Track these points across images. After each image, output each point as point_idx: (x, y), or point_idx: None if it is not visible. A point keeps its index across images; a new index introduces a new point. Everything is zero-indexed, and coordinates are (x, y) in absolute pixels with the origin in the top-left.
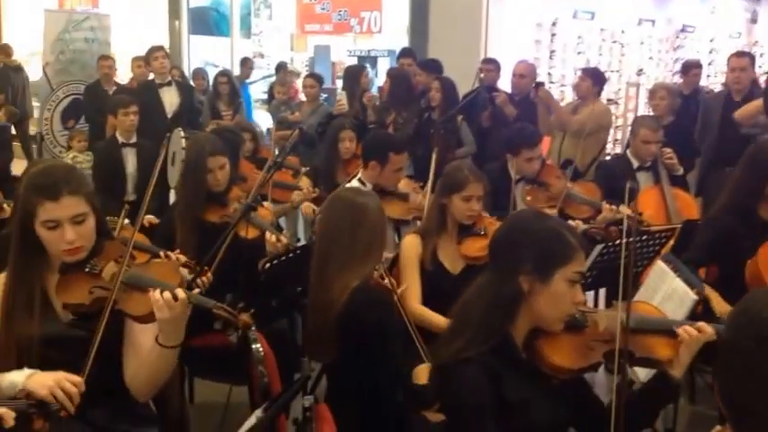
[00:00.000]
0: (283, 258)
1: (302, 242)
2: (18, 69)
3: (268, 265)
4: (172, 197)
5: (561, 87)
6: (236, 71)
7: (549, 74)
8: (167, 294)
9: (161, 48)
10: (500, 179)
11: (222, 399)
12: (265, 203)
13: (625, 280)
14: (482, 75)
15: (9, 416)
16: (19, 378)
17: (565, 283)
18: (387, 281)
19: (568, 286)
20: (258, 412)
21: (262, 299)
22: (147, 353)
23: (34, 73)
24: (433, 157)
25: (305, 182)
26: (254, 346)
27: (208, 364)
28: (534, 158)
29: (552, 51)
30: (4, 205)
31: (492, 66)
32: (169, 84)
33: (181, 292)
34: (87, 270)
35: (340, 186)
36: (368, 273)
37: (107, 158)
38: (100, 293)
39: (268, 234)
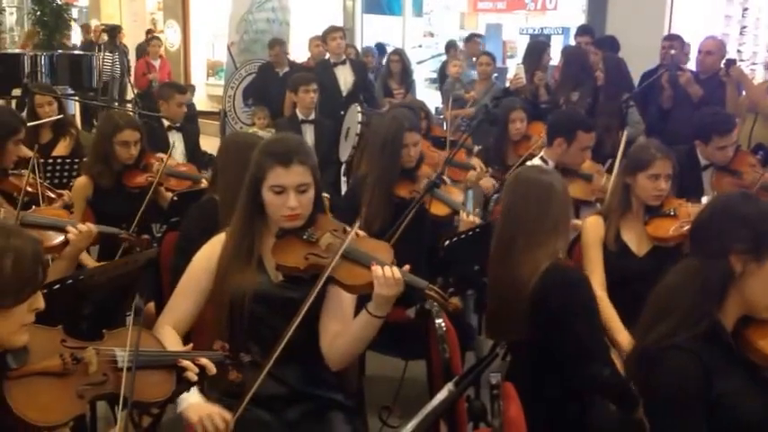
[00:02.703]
0: (462, 236)
1: None
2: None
3: (447, 242)
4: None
5: (752, 66)
6: (408, 51)
7: (739, 51)
8: (388, 271)
9: (339, 29)
10: (687, 164)
11: (390, 372)
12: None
13: None
14: (673, 51)
15: (210, 366)
16: (181, 402)
17: None
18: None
19: None
20: (450, 386)
21: (440, 276)
22: (348, 322)
23: (218, 53)
24: (623, 138)
25: (476, 161)
26: (437, 321)
27: (383, 337)
28: (728, 146)
29: (743, 27)
30: (203, 179)
31: (676, 43)
32: (344, 63)
33: (397, 271)
34: (305, 237)
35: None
36: (557, 252)
37: None
38: (315, 260)
39: (463, 214)
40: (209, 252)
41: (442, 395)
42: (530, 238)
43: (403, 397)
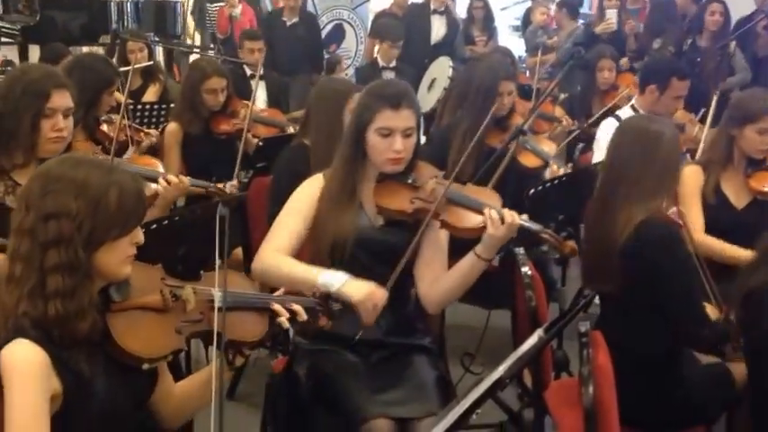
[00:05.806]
0: (548, 185)
1: None
2: None
3: (532, 191)
4: None
5: None
6: None
7: None
8: (503, 213)
9: None
10: None
11: (471, 322)
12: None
13: None
14: None
15: (301, 312)
16: (335, 282)
17: None
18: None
19: None
20: (540, 332)
21: None
22: (445, 268)
23: None
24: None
25: (559, 111)
26: (522, 270)
27: None
28: None
29: None
30: (290, 126)
31: None
32: (442, 13)
33: (514, 215)
34: (409, 182)
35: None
36: (656, 206)
37: (367, 82)
38: (420, 205)
39: (554, 166)
40: (309, 189)
41: (531, 341)
42: (631, 189)
43: (485, 346)
